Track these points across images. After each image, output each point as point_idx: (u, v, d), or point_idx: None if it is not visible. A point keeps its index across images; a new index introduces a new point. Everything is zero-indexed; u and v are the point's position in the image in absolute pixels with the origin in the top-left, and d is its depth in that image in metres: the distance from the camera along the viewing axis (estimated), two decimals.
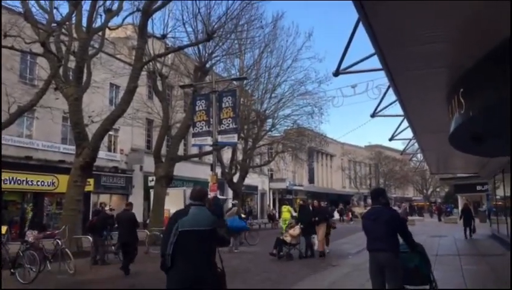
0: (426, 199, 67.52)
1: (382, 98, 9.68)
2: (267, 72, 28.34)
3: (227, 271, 4.48)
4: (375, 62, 6.36)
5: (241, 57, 26.66)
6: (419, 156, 21.34)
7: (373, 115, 10.05)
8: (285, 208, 24.58)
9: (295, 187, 50.14)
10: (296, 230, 13.56)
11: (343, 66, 6.91)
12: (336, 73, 6.83)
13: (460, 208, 43.28)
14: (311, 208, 15.05)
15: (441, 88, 6.85)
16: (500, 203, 19.20)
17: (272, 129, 32.01)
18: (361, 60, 6.91)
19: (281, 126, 31.87)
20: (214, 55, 21.69)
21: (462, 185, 42.89)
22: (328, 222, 14.51)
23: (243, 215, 21.84)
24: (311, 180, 55.96)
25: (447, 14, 4.45)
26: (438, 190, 70.16)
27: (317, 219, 13.76)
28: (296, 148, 33.88)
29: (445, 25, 4.68)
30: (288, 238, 13.38)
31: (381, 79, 9.15)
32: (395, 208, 27.77)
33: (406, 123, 12.49)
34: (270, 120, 30.99)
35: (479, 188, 40.76)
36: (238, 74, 26.39)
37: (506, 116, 5.88)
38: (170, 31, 22.88)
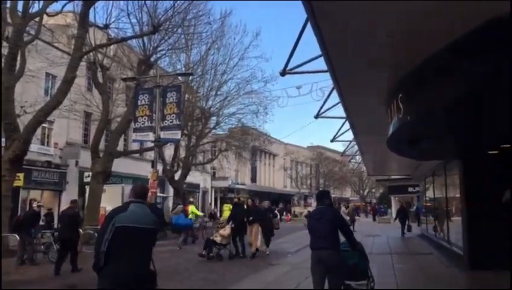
0: (362, 200, 70.34)
1: (326, 100, 9.90)
2: (213, 69, 28.09)
3: (166, 270, 4.32)
4: (321, 64, 6.46)
5: (187, 52, 26.20)
6: (358, 157, 22.16)
7: (317, 116, 10.24)
8: (226, 206, 24.46)
9: (237, 186, 50.23)
10: (226, 230, 13.11)
11: (290, 66, 6.96)
12: (283, 73, 6.86)
13: (394, 208, 45.63)
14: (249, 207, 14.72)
15: (382, 92, 7.09)
16: (428, 204, 20.38)
17: (216, 127, 31.79)
18: (308, 61, 7.00)
19: (225, 124, 31.74)
20: (159, 48, 21.15)
21: (396, 186, 45.06)
22: (268, 221, 14.31)
23: (200, 213, 22.45)
24: (253, 179, 56.30)
25: (389, 21, 4.58)
26: (373, 190, 73.30)
27: (251, 218, 13.40)
28: (239, 147, 33.91)
29: (388, 30, 4.82)
30: (218, 239, 12.91)
31: (325, 81, 9.38)
32: (343, 208, 29.11)
33: (347, 125, 12.89)
34: (214, 118, 30.78)
35: (410, 189, 42.93)
36: (183, 69, 25.94)
37: (441, 121, 6.20)
38: (113, 21, 21.84)
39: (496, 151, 9.38)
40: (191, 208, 20.21)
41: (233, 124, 31.82)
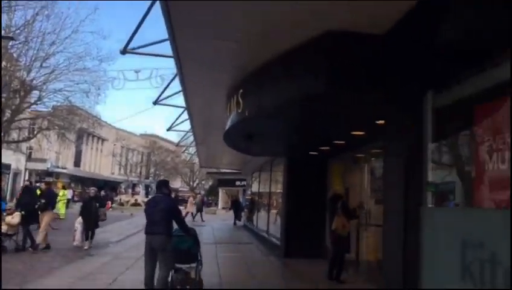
0: (192, 191, 71.57)
1: (166, 87, 9.64)
2: (40, 37, 24.92)
3: None
4: (166, 48, 6.21)
5: (10, 14, 22.68)
6: (192, 149, 22.39)
7: (155, 102, 9.90)
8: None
9: (57, 169, 45.71)
10: (15, 218, 10.91)
11: (132, 46, 6.52)
12: (124, 51, 6.37)
13: (220, 200, 47.61)
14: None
15: (224, 86, 7.20)
16: (253, 197, 21.86)
17: (38, 102, 28.29)
18: (153, 44, 6.68)
19: (49, 101, 28.48)
20: None
21: (225, 179, 47.25)
22: (94, 212, 12.96)
23: None
24: (77, 163, 52.07)
25: (240, 16, 4.63)
26: (203, 182, 75.25)
27: (42, 201, 11.36)
28: (63, 128, 30.80)
29: (237, 25, 4.88)
30: (5, 228, 10.69)
31: (167, 69, 9.10)
32: (190, 199, 29.23)
33: (185, 115, 12.81)
34: (36, 92, 27.33)
35: (238, 183, 45.53)
36: (3, 32, 22.30)
37: (273, 120, 6.59)
38: None
39: (315, 153, 10.46)
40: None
41: (59, 102, 28.82)
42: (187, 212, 28.56)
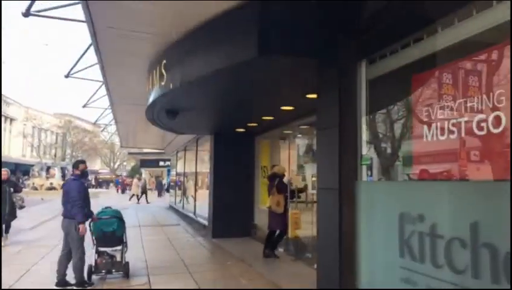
0: (113, 172, 68.62)
1: (80, 58, 8.73)
2: None
3: None
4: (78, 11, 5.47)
5: None
6: (112, 128, 21.11)
7: (67, 76, 8.95)
8: None
9: None
10: None
11: (37, 8, 5.67)
12: (26, 13, 5.52)
13: (148, 180, 46.22)
14: None
15: (145, 56, 6.58)
16: (177, 177, 21.27)
17: None
18: (61, 6, 5.87)
19: None
20: None
21: (148, 160, 45.89)
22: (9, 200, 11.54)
23: None
24: None
25: None
26: (124, 163, 72.45)
27: None
28: None
29: None
30: None
31: (81, 37, 8.17)
32: (135, 180, 28.71)
33: (103, 91, 11.86)
34: None
35: (161, 163, 44.54)
36: None
37: (202, 93, 6.16)
38: None
39: (242, 129, 10.19)
40: None
41: None
42: (132, 195, 28.11)
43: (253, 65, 4.55)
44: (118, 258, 6.65)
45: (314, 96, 5.91)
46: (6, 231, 10.01)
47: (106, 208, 6.90)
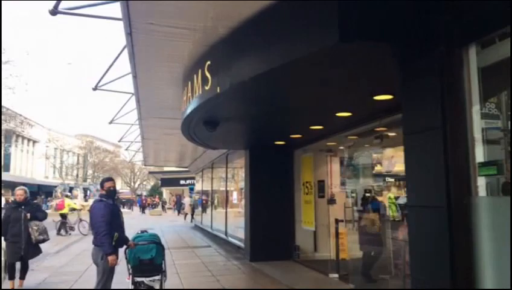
0: (133, 192, 68.37)
1: (109, 68, 8.09)
2: None
3: None
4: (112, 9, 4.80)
5: None
6: (134, 146, 20.54)
7: (95, 88, 8.31)
8: None
9: None
10: None
11: (65, 6, 5.01)
12: (54, 11, 4.86)
13: (168, 200, 45.64)
14: None
15: (182, 60, 5.86)
16: (202, 197, 20.49)
17: None
18: (95, 5, 5.20)
19: None
20: None
21: (168, 179, 45.41)
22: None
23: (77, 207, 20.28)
24: (6, 168, 47.58)
25: None
26: (144, 183, 72.21)
27: None
28: None
29: None
30: None
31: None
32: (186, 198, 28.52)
33: (130, 106, 11.26)
34: None
35: (182, 182, 43.95)
36: None
37: (252, 95, 5.35)
38: None
39: (282, 142, 9.36)
40: (67, 202, 19.11)
41: None
42: (186, 214, 28.62)
43: (329, 55, 3.72)
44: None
45: (385, 97, 5.09)
46: (22, 275, 7.12)
47: (142, 231, 6.09)
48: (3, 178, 43.42)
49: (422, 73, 3.61)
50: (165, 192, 52.05)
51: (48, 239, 7.37)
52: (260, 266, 9.24)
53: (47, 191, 50.62)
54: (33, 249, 7.10)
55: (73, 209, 19.26)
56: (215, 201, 16.88)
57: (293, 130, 7.87)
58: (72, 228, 17.59)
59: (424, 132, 3.55)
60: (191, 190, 42.04)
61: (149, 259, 5.75)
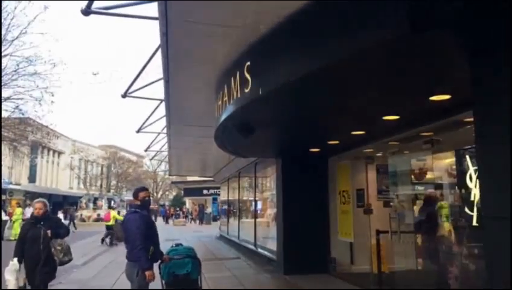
0: (156, 202, 68.67)
1: (137, 76, 7.84)
2: None
3: None
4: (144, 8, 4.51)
5: None
6: (159, 155, 20.43)
7: (124, 95, 8.08)
8: None
9: (11, 186, 42.07)
10: None
11: (99, 5, 4.75)
12: (86, 11, 4.60)
13: (189, 209, 45.43)
14: None
15: (218, 62, 5.55)
16: (226, 206, 20.14)
17: None
18: (130, 5, 4.95)
19: None
20: None
21: (191, 189, 45.32)
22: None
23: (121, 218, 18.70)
24: (32, 178, 48.34)
25: None
26: (167, 193, 72.50)
27: None
28: (14, 139, 27.83)
29: None
30: None
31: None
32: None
33: (157, 115, 11.06)
34: None
35: (205, 192, 43.82)
36: None
37: (297, 97, 4.96)
38: None
39: (317, 149, 8.94)
40: (113, 214, 19.10)
41: (8, 111, 26.01)
42: None
43: (396, 46, 3.30)
44: None
45: (442, 97, 4.64)
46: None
47: (177, 245, 5.75)
48: (29, 189, 44.10)
49: (500, 69, 3.16)
50: (188, 202, 51.97)
51: (72, 259, 5.95)
52: (295, 280, 8.78)
53: (72, 201, 51.18)
54: (53, 271, 5.70)
55: (117, 220, 19.35)
56: (242, 211, 16.48)
57: (332, 135, 7.44)
58: (118, 239, 17.25)
59: (503, 135, 3.09)
60: (215, 199, 41.87)
61: (184, 274, 5.42)
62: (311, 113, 5.62)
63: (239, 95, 5.17)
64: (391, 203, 8.36)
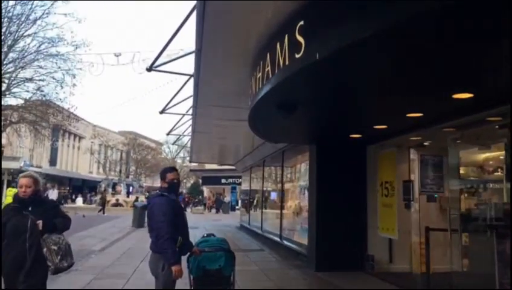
0: None
1: (165, 47, 7.11)
2: (6, 17, 22.00)
3: None
4: None
5: None
6: (180, 141, 19.84)
7: (150, 69, 7.37)
8: (11, 191, 19.11)
9: (32, 168, 42.23)
10: None
11: None
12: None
13: (208, 198, 45.07)
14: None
15: (259, 28, 4.76)
16: (250, 196, 19.45)
17: (7, 93, 25.18)
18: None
19: (20, 91, 25.47)
20: None
21: (209, 177, 44.96)
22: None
23: None
24: (52, 162, 48.60)
25: None
26: (184, 181, 72.42)
27: None
28: (36, 122, 27.56)
29: None
30: None
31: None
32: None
33: (183, 95, 10.39)
34: (5, 81, 24.21)
35: (223, 181, 43.38)
36: None
37: (363, 62, 4.14)
38: None
39: (358, 135, 8.11)
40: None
41: (30, 92, 25.74)
42: None
43: None
44: None
45: None
46: None
47: (209, 235, 5.03)
48: (49, 172, 44.24)
49: None
50: (206, 190, 51.65)
51: (73, 263, 3.93)
52: (329, 278, 8.02)
53: (91, 185, 51.36)
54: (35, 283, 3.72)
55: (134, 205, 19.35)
56: (268, 201, 15.75)
57: (382, 118, 6.54)
58: None
59: None
60: (233, 189, 41.35)
61: (216, 269, 4.67)
62: (369, 86, 4.77)
63: (287, 63, 4.38)
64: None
